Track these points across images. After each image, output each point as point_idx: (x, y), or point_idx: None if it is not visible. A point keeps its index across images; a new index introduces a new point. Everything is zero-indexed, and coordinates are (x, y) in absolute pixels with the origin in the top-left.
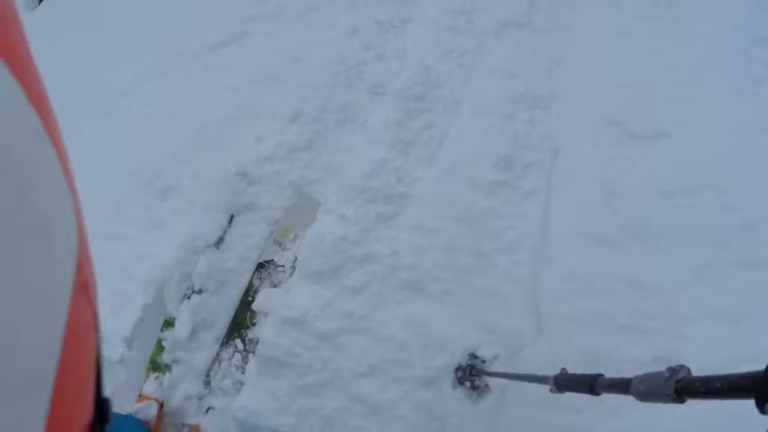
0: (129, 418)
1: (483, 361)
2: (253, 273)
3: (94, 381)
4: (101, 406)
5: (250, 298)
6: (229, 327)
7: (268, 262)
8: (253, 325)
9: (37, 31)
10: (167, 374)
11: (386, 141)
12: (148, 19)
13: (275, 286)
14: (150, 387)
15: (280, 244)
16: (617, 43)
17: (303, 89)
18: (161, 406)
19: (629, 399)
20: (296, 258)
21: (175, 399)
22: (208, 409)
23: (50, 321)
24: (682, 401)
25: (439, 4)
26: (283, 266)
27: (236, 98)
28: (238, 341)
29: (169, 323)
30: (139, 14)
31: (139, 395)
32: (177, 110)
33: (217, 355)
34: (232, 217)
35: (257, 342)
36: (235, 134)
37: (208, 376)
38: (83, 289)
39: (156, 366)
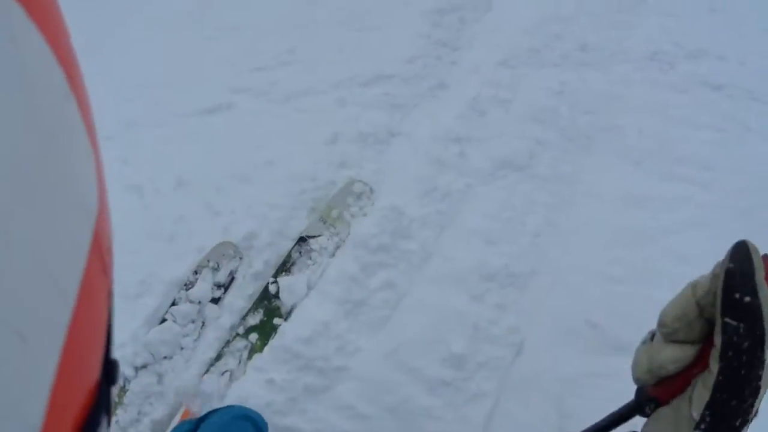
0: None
1: None
2: None
3: (104, 341)
4: (109, 367)
5: None
6: None
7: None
8: None
9: None
10: None
11: (335, 298)
12: (144, 62)
13: None
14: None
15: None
16: (625, 216)
17: (265, 203)
18: None
19: None
20: None
21: None
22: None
23: (67, 275)
24: None
25: (435, 120)
26: None
27: (194, 192)
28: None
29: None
30: (135, 57)
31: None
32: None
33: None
34: None
35: None
36: (179, 238)
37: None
38: (99, 250)
39: None
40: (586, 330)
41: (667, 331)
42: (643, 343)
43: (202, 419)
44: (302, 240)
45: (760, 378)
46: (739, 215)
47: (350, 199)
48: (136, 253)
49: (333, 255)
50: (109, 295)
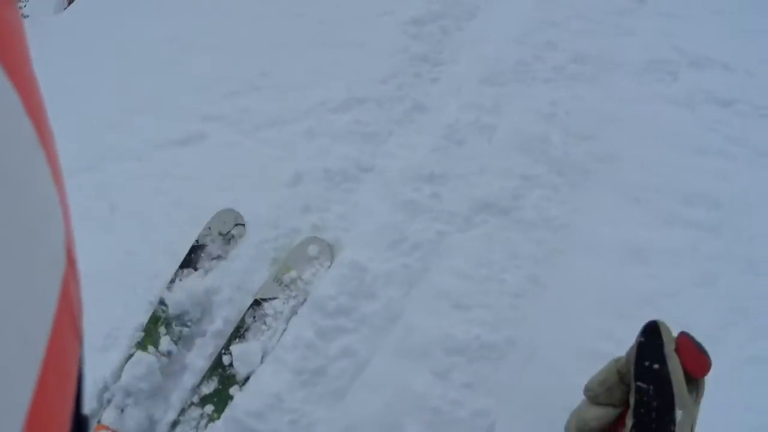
0: None
1: None
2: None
3: (74, 396)
4: (79, 422)
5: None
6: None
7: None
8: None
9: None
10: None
11: (290, 366)
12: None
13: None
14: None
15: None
16: (621, 273)
17: None
18: None
19: None
20: None
21: None
22: None
23: (34, 330)
24: None
25: (408, 153)
26: None
27: (159, 238)
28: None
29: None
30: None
31: (98, 422)
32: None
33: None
34: None
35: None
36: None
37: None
38: (67, 303)
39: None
40: (565, 415)
41: (591, 395)
42: (575, 409)
43: None
44: (257, 303)
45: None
46: (748, 268)
47: (308, 257)
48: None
49: (288, 320)
50: (79, 347)
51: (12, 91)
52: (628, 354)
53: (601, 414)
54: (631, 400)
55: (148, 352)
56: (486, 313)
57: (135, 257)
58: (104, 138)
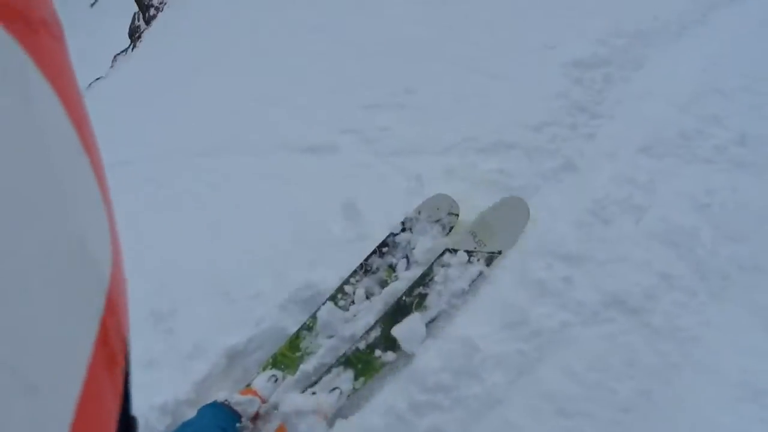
0: (219, 408)
1: None
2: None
3: (119, 404)
4: (128, 425)
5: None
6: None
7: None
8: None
9: None
10: (287, 377)
11: None
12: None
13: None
14: (260, 382)
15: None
16: (736, 411)
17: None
18: (261, 406)
19: None
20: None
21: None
22: (335, 390)
23: (76, 348)
24: None
25: (549, 221)
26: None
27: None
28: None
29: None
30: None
31: (247, 385)
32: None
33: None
34: None
35: None
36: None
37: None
38: (113, 309)
39: (277, 363)
40: None
41: None
42: None
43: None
44: (449, 251)
45: None
46: None
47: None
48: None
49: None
50: (126, 351)
51: (55, 99)
52: None
53: None
54: None
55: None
56: (587, 424)
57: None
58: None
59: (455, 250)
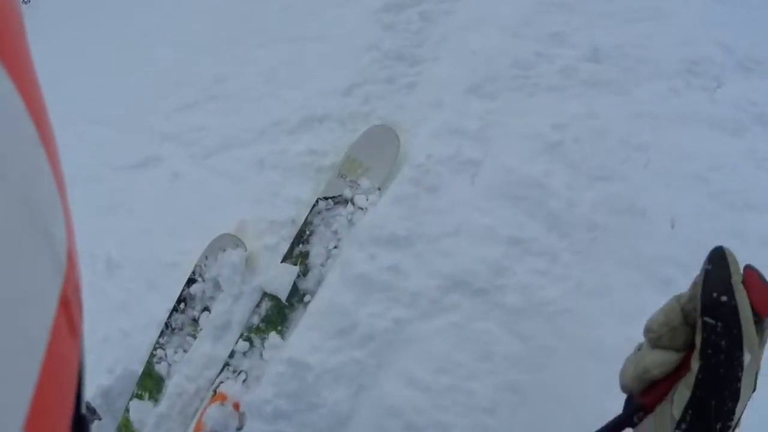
0: None
1: None
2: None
3: (74, 397)
4: (79, 422)
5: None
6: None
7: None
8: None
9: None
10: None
11: None
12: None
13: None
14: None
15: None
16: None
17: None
18: None
19: None
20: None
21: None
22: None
23: (35, 329)
24: None
25: (365, 205)
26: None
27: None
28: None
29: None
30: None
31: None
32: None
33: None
34: None
35: None
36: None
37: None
38: (67, 305)
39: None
40: None
41: (652, 336)
42: (631, 354)
43: None
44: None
45: (739, 380)
46: None
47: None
48: None
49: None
50: (79, 347)
51: (14, 92)
52: (693, 288)
53: (664, 359)
54: (697, 340)
55: None
56: None
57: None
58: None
59: (326, 198)
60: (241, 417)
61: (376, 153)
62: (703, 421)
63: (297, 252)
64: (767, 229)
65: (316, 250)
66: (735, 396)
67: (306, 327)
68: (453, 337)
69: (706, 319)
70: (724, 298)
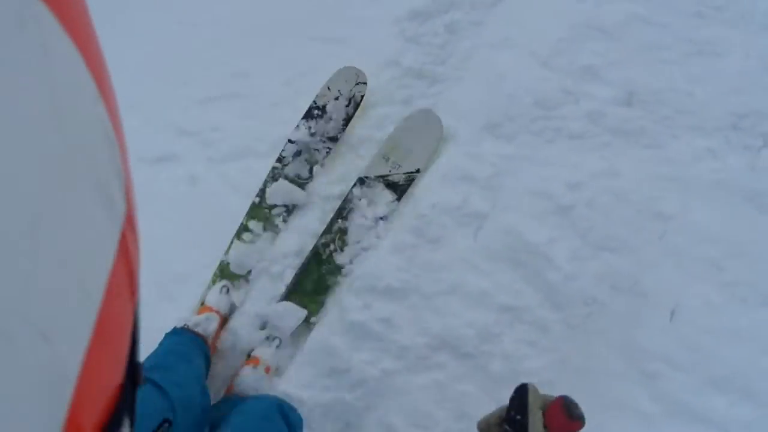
0: (180, 334)
1: None
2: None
3: (129, 343)
4: (133, 369)
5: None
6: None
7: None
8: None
9: None
10: (238, 287)
11: None
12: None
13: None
14: (213, 297)
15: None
16: None
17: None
18: (224, 321)
19: None
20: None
21: (240, 319)
22: (275, 340)
23: (93, 277)
24: None
25: (369, 258)
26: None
27: None
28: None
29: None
30: None
31: (201, 304)
32: None
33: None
34: None
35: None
36: None
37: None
38: (125, 253)
39: (225, 274)
40: None
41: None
42: None
43: (236, 403)
44: (361, 181)
45: None
46: None
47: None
48: None
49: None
50: (135, 296)
51: (73, 49)
52: (503, 408)
53: None
54: None
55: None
56: None
57: None
58: None
59: (368, 178)
60: (271, 380)
61: (419, 136)
62: None
63: (336, 228)
64: None
65: (354, 226)
66: None
67: (302, 362)
68: (435, 394)
69: (506, 427)
70: (519, 417)
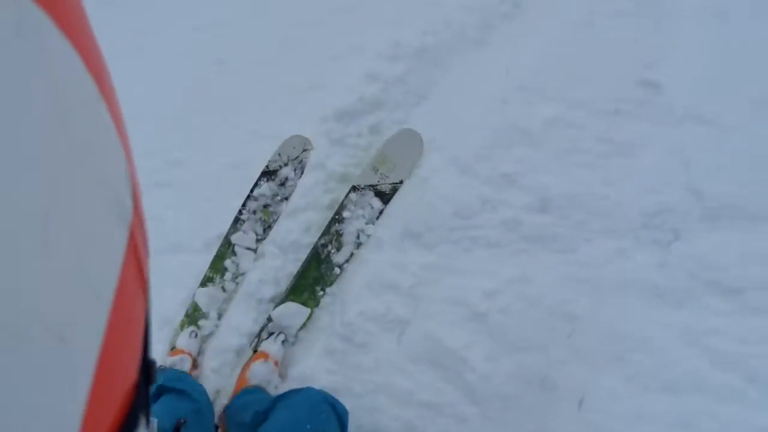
0: (175, 371)
1: None
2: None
3: (142, 341)
4: (147, 366)
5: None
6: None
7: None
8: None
9: None
10: (205, 330)
11: None
12: None
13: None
14: (184, 341)
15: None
16: None
17: None
18: (194, 362)
19: None
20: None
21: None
22: (280, 335)
23: (103, 277)
24: None
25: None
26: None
27: None
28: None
29: (209, 278)
30: None
31: (172, 348)
32: None
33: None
34: None
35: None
36: None
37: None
38: (134, 252)
39: (192, 319)
40: None
41: None
42: None
43: (278, 398)
44: (354, 189)
45: None
46: None
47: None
48: None
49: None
50: (146, 295)
51: (70, 49)
52: None
53: None
54: None
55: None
56: None
57: None
58: None
59: (360, 186)
60: (281, 373)
61: (403, 151)
62: None
63: (333, 230)
64: (681, 411)
65: (348, 229)
66: None
67: None
68: None
69: None
70: None
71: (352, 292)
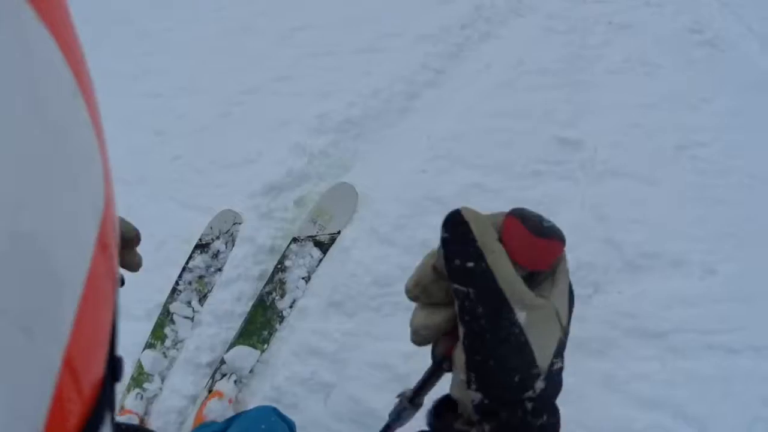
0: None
1: None
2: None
3: (109, 337)
4: (113, 364)
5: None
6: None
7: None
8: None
9: None
10: (152, 392)
11: None
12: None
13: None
14: (131, 402)
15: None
16: None
17: None
18: (141, 421)
19: None
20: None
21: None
22: (232, 375)
23: (73, 271)
24: None
25: None
26: None
27: None
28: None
29: (151, 344)
30: None
31: (121, 408)
32: None
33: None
34: None
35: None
36: None
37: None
38: (105, 248)
39: (138, 382)
40: None
41: (409, 297)
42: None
43: (233, 417)
44: (294, 241)
45: (518, 335)
46: None
47: (338, 200)
48: None
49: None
50: (115, 289)
51: (51, 41)
52: (439, 250)
53: (426, 322)
54: (455, 306)
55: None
56: None
57: None
58: None
59: (300, 238)
60: (236, 410)
61: (339, 203)
62: (493, 379)
63: (276, 279)
64: None
65: (291, 278)
66: (520, 349)
67: None
68: None
69: (456, 286)
70: (470, 264)
71: (281, 357)
